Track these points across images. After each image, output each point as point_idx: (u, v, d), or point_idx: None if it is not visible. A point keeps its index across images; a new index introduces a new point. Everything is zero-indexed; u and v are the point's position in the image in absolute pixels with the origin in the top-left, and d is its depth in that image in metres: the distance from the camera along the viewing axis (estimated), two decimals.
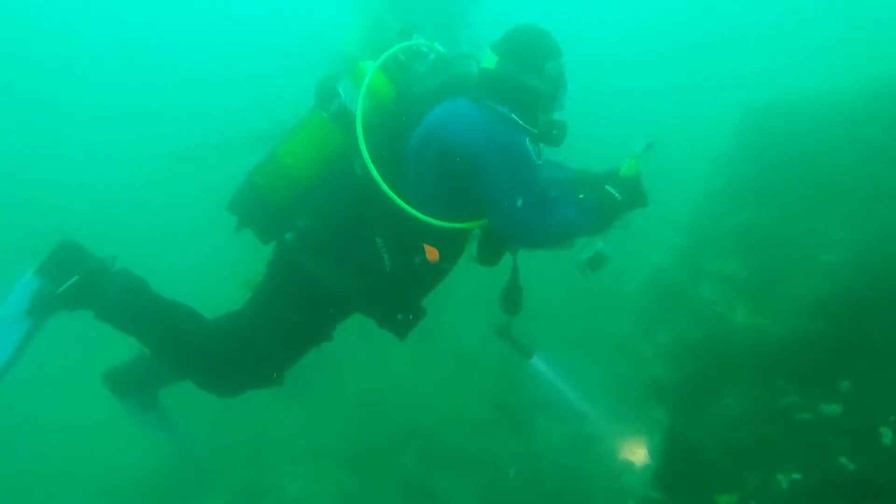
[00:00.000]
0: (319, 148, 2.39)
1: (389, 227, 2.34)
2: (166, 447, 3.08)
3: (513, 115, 2.31)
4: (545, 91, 2.42)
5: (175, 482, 4.47)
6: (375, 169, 2.22)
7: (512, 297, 2.64)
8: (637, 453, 3.50)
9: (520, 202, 2.25)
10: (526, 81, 2.38)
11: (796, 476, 2.43)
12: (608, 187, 2.50)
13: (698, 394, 3.29)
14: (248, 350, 2.51)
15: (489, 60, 2.44)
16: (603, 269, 2.69)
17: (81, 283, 2.39)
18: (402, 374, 5.04)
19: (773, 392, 2.88)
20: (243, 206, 2.53)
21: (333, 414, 4.78)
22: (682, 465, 3.02)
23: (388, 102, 2.43)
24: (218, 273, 3.42)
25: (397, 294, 2.44)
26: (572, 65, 2.51)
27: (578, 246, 2.66)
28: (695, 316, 3.82)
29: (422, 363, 5.10)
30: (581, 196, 2.49)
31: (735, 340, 3.38)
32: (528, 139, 2.30)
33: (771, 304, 3.33)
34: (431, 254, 2.34)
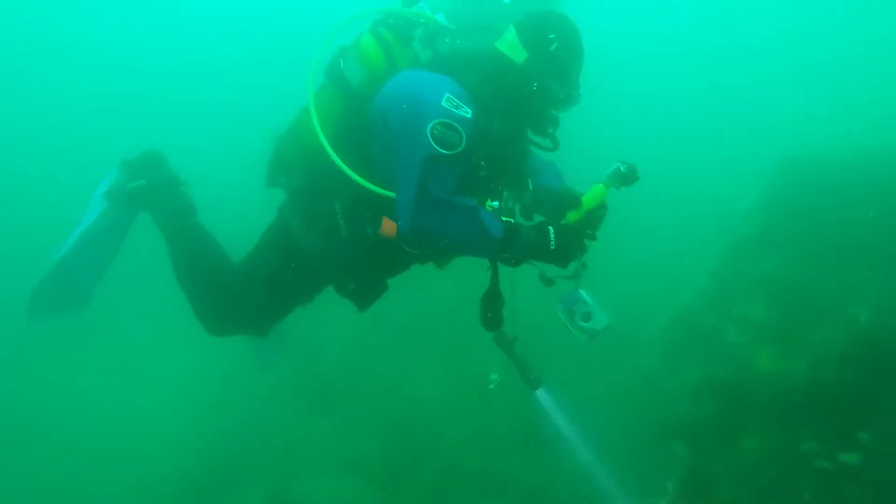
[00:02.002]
0: (325, 116, 2.37)
1: (347, 196, 2.33)
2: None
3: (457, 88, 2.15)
4: (562, 102, 2.31)
5: (206, 480, 4.64)
6: (340, 139, 2.27)
7: (490, 308, 2.38)
8: None
9: (413, 177, 2.06)
10: (548, 85, 2.26)
11: None
12: (550, 228, 2.23)
13: (721, 433, 3.40)
14: (247, 296, 2.61)
15: (513, 47, 2.28)
16: (595, 327, 2.38)
17: (146, 188, 2.80)
18: (428, 393, 5.18)
19: (794, 437, 2.98)
20: (270, 168, 2.64)
21: (360, 428, 4.93)
22: (700, 501, 3.13)
23: (378, 75, 2.36)
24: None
25: (351, 262, 2.43)
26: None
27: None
28: (720, 357, 3.93)
29: (448, 383, 5.24)
30: (505, 219, 2.26)
31: (758, 384, 3.48)
32: (448, 104, 2.09)
33: (796, 351, 3.44)
34: (388, 228, 2.22)
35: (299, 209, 2.50)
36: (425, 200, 2.08)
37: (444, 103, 2.07)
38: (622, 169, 2.33)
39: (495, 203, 2.34)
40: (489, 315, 2.41)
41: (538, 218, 2.63)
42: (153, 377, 5.58)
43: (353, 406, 5.16)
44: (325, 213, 2.40)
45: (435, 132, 2.05)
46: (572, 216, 2.37)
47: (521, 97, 2.28)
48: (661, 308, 4.73)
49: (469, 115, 2.10)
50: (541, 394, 2.76)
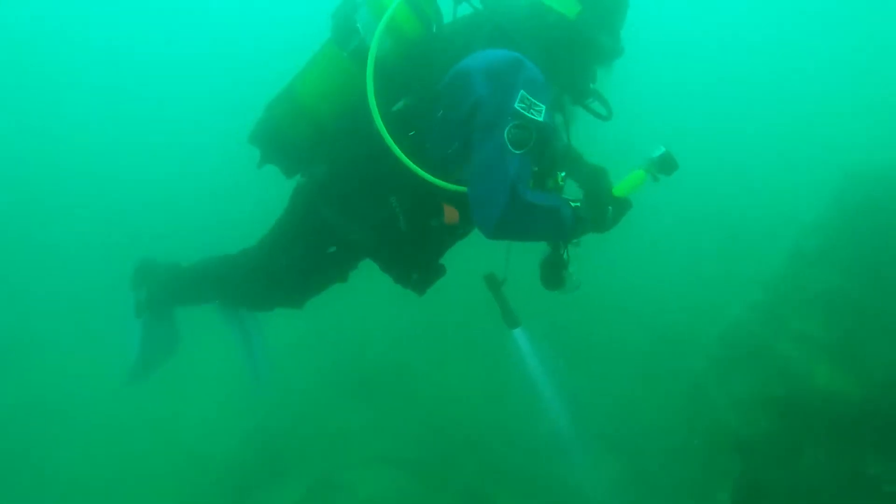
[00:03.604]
0: (338, 87, 2.14)
1: (405, 187, 2.12)
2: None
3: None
4: (608, 56, 2.22)
5: (249, 470, 4.71)
6: (386, 123, 1.98)
7: (553, 269, 2.31)
8: None
9: (515, 151, 1.91)
10: (599, 39, 2.16)
11: None
12: (610, 208, 2.23)
13: (776, 448, 3.39)
14: (270, 281, 2.58)
15: (563, 1, 2.13)
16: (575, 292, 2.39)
17: (151, 295, 2.97)
18: (469, 392, 5.22)
19: (858, 458, 2.96)
20: (264, 141, 2.36)
21: (402, 423, 4.97)
22: None
23: (412, 43, 2.13)
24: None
25: (413, 254, 2.29)
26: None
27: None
28: (773, 371, 3.90)
29: (490, 383, 5.27)
30: (575, 204, 2.17)
31: (816, 401, 3.45)
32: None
33: (857, 370, 3.40)
34: (451, 215, 2.12)
35: (337, 201, 2.28)
36: (516, 206, 1.95)
37: (517, 106, 1.92)
38: (664, 153, 2.29)
39: (562, 173, 2.26)
40: (552, 277, 2.33)
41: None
42: (199, 369, 5.65)
43: (394, 401, 5.20)
44: (378, 207, 2.21)
45: (511, 135, 1.92)
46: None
47: (573, 55, 2.17)
48: (712, 315, 4.70)
49: (541, 118, 1.96)
50: (518, 333, 2.68)
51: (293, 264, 2.49)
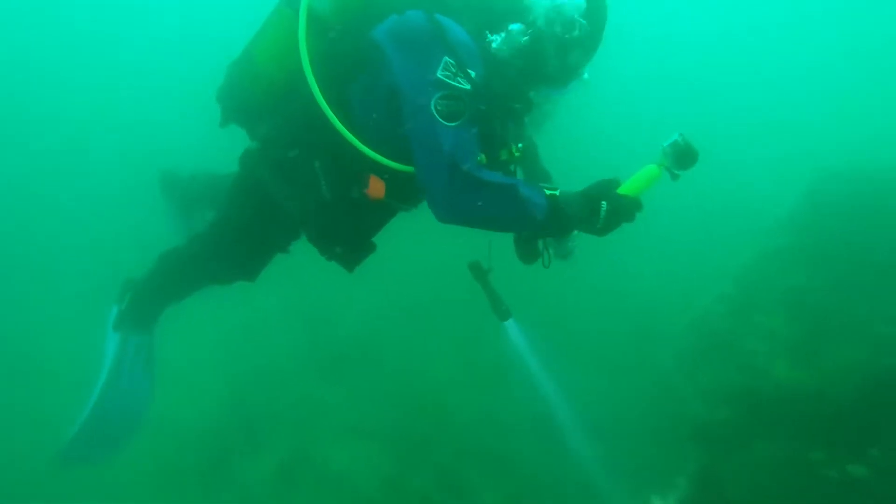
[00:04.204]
0: (288, 47, 2.04)
1: (329, 152, 2.06)
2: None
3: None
4: (550, 70, 2.05)
5: (225, 441, 4.76)
6: (318, 83, 1.93)
7: (527, 242, 2.24)
8: None
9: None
10: (546, 50, 2.01)
11: None
12: (603, 204, 1.97)
13: (733, 437, 3.52)
14: (220, 254, 2.52)
15: None
16: (568, 259, 2.29)
17: (133, 298, 2.82)
18: (440, 372, 5.30)
19: (805, 446, 3.09)
20: (225, 101, 2.35)
21: (376, 398, 5.04)
22: (710, 500, 3.26)
23: (349, 1, 2.08)
24: None
25: (336, 225, 2.20)
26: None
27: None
28: (736, 363, 4.03)
29: (460, 365, 5.37)
30: (552, 192, 1.99)
31: (773, 392, 3.58)
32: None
33: (814, 363, 3.52)
34: (376, 188, 2.03)
35: (271, 163, 2.22)
36: (458, 181, 1.86)
37: (440, 75, 1.84)
38: (681, 142, 2.02)
39: (520, 144, 2.19)
40: (527, 252, 2.28)
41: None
42: (171, 342, 5.69)
43: (368, 378, 5.27)
44: (302, 171, 2.15)
45: (439, 107, 1.84)
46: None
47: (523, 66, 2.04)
48: (681, 308, 4.81)
49: (469, 87, 1.87)
50: (510, 324, 2.57)
51: (236, 230, 2.45)
